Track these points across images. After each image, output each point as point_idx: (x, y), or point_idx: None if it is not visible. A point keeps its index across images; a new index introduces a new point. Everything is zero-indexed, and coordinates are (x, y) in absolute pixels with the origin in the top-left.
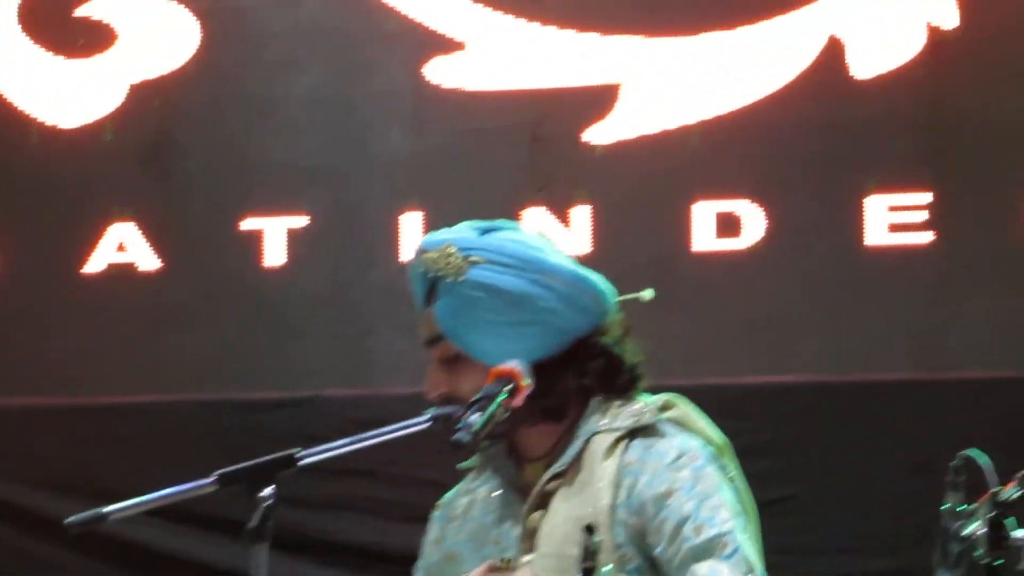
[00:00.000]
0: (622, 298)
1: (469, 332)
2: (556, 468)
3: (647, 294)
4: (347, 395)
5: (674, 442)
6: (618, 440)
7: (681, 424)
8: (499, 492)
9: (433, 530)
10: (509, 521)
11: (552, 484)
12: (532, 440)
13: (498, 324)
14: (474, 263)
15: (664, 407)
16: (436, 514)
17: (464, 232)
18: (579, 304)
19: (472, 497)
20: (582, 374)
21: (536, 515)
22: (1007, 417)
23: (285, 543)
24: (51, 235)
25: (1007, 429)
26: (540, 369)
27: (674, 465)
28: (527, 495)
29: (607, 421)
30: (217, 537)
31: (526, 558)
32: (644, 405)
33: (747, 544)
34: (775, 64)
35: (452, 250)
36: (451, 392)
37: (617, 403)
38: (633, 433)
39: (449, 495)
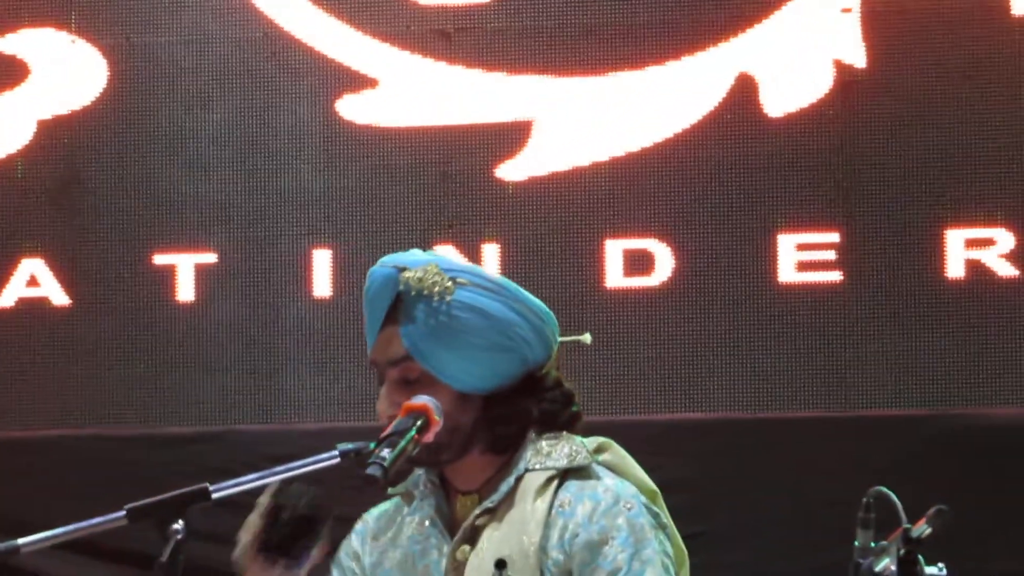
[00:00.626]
0: (563, 339)
1: (442, 353)
2: (487, 504)
3: (586, 338)
4: (258, 430)
5: (609, 487)
6: (550, 479)
7: (614, 469)
8: (427, 523)
9: (354, 542)
10: (435, 552)
11: (482, 519)
12: (466, 473)
13: (476, 347)
14: (460, 284)
15: (598, 450)
16: (358, 527)
17: (435, 255)
18: (543, 335)
19: (400, 524)
20: (540, 403)
21: (465, 548)
22: (917, 454)
23: None
24: None
25: (917, 466)
26: (499, 397)
27: (610, 512)
28: (456, 528)
29: (540, 459)
30: (128, 571)
31: None
32: (578, 446)
33: None
34: (685, 102)
35: (437, 270)
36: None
37: (551, 441)
38: (566, 473)
39: (374, 512)
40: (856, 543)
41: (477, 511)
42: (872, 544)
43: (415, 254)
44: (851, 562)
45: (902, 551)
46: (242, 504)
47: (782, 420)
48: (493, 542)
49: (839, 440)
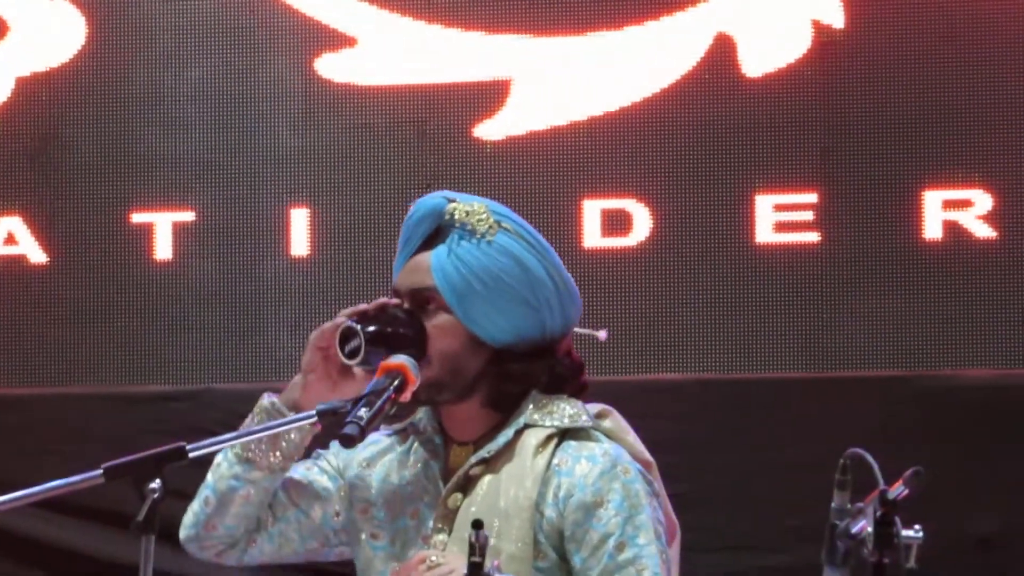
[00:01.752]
0: (579, 330)
1: (469, 292)
2: (483, 454)
3: (601, 334)
4: (235, 389)
5: (607, 451)
6: (550, 437)
7: (613, 436)
8: (420, 466)
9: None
10: (425, 496)
11: (477, 469)
12: (464, 423)
13: (503, 295)
14: (504, 229)
15: (599, 416)
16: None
17: (487, 200)
18: (566, 308)
19: (392, 460)
20: (553, 368)
21: (456, 496)
22: (894, 416)
23: (173, 536)
24: None
25: (894, 428)
26: (509, 355)
27: (606, 475)
28: (449, 475)
29: (540, 416)
30: (105, 529)
31: (440, 537)
32: (580, 408)
33: (662, 570)
34: (663, 62)
35: (486, 209)
36: None
37: (554, 401)
38: (564, 433)
39: (370, 438)
40: (832, 505)
41: (473, 460)
42: (848, 506)
43: (467, 195)
44: (827, 524)
45: (879, 513)
46: None
47: (758, 381)
48: (489, 493)
49: (815, 401)
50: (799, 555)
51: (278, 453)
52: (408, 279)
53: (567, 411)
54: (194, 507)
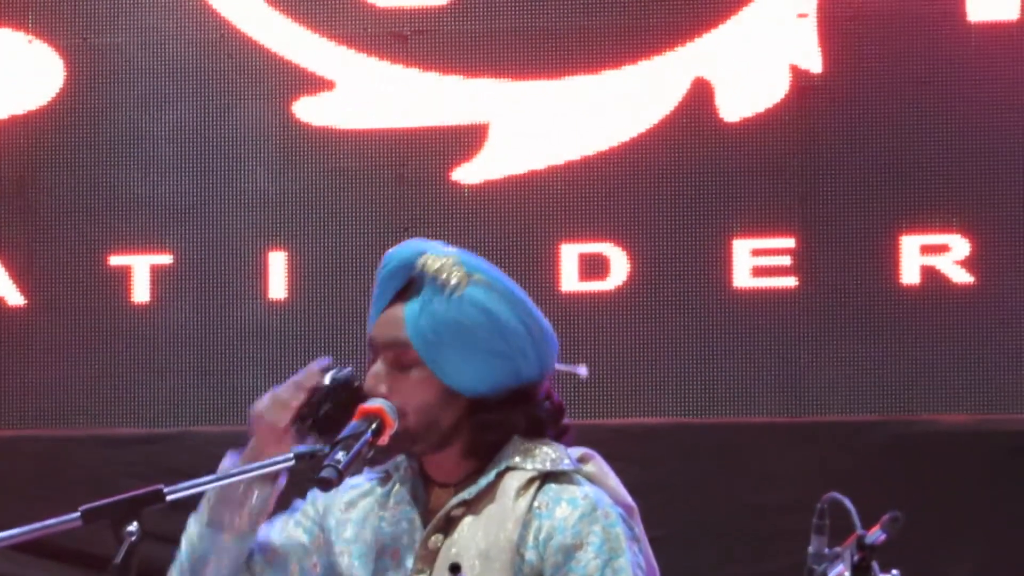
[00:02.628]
0: (559, 366)
1: (441, 345)
2: (464, 495)
3: (582, 370)
4: (213, 432)
5: (588, 494)
6: (531, 480)
7: (595, 480)
8: (401, 507)
9: (320, 497)
10: (405, 538)
11: (458, 510)
12: (445, 468)
13: (475, 347)
14: (475, 281)
15: (581, 460)
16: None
17: (460, 250)
18: (542, 353)
19: (372, 502)
20: (531, 414)
21: (438, 537)
22: (871, 460)
23: None
24: None
25: (871, 472)
26: (485, 404)
27: (586, 518)
28: (430, 517)
29: (522, 459)
30: (82, 573)
31: None
32: (562, 452)
33: None
34: (641, 106)
35: (456, 261)
36: (391, 397)
37: (536, 444)
38: (546, 477)
39: (350, 482)
40: (810, 549)
41: (454, 502)
42: (826, 550)
43: (439, 244)
44: (805, 568)
45: (856, 557)
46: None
47: (736, 425)
48: (470, 534)
49: (793, 446)
50: None
51: (245, 514)
52: (383, 332)
53: (549, 455)
54: (172, 572)
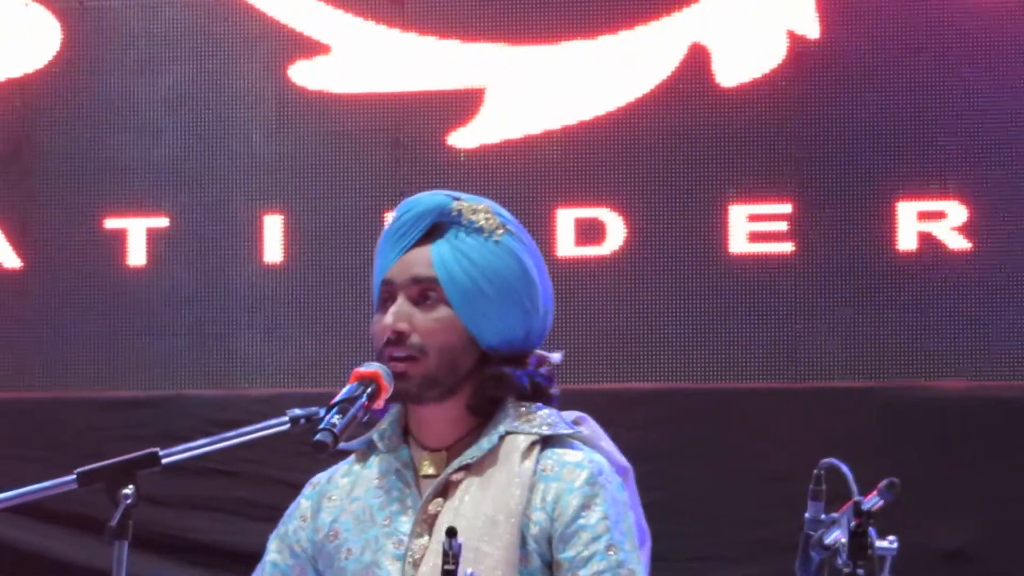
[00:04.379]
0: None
1: (471, 289)
2: (466, 459)
3: (556, 356)
4: (207, 395)
5: (588, 457)
6: (532, 444)
7: (589, 443)
8: (389, 476)
9: (303, 505)
10: (397, 504)
11: (459, 475)
12: (439, 428)
13: (503, 295)
14: (509, 231)
15: (575, 423)
16: (307, 491)
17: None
18: (545, 319)
19: (355, 479)
20: (532, 377)
21: (438, 501)
22: (867, 427)
23: (146, 542)
24: None
25: (867, 439)
26: (495, 358)
27: (592, 480)
28: (420, 482)
29: (520, 423)
30: (78, 535)
31: (421, 541)
32: (558, 416)
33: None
34: (638, 71)
35: (490, 210)
36: (411, 332)
37: (531, 408)
38: (545, 441)
39: (324, 474)
40: (806, 515)
41: (455, 465)
42: (823, 516)
43: (471, 195)
44: (801, 533)
45: (853, 523)
46: (192, 469)
47: (732, 390)
48: (474, 499)
49: (790, 411)
50: (771, 565)
51: None
52: (406, 271)
53: (546, 419)
54: None
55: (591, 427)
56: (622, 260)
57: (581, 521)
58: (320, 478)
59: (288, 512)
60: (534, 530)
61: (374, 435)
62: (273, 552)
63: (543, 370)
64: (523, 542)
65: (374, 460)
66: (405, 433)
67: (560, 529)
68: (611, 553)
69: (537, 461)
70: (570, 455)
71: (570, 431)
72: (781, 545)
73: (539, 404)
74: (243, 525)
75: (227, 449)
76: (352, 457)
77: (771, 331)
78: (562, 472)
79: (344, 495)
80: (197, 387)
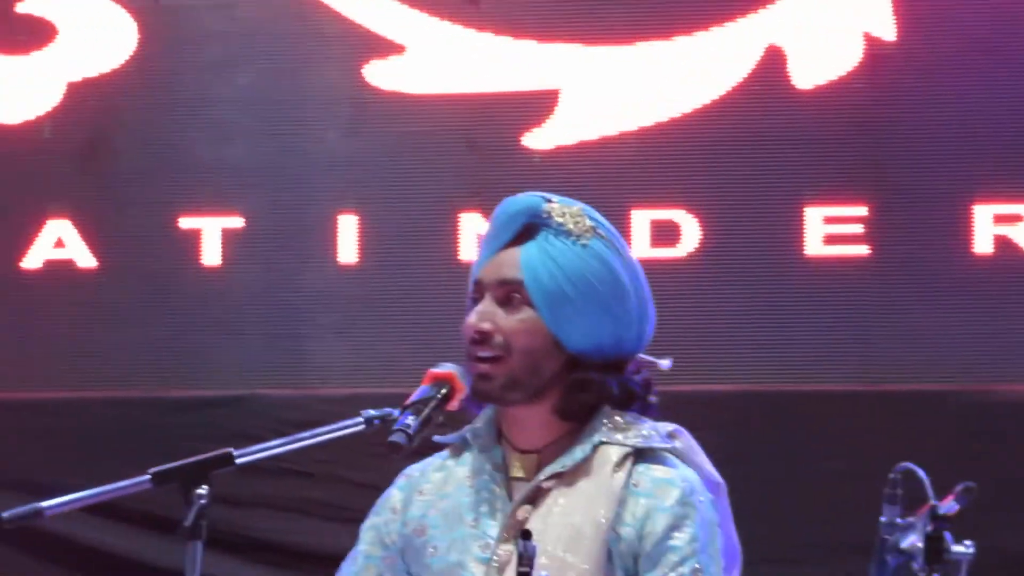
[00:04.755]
0: (643, 356)
1: (557, 293)
2: (558, 468)
3: (665, 363)
4: (280, 395)
5: (683, 475)
6: (626, 456)
7: (684, 457)
8: (480, 476)
9: (394, 497)
10: (486, 506)
11: (549, 482)
12: (530, 430)
13: (592, 302)
14: (599, 236)
15: (670, 435)
16: (401, 482)
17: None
18: (643, 326)
19: (448, 474)
20: (624, 385)
21: (526, 508)
22: (944, 430)
23: (219, 542)
24: None
25: (942, 442)
26: (584, 363)
27: (683, 500)
28: (510, 484)
29: (615, 434)
30: (151, 535)
31: (507, 547)
32: (653, 428)
33: None
34: (714, 74)
35: (582, 212)
36: (495, 333)
37: (626, 419)
38: (638, 453)
39: (418, 466)
40: (882, 518)
41: (547, 472)
42: (899, 520)
43: (564, 198)
44: (877, 537)
45: (929, 528)
46: (266, 469)
47: (807, 393)
48: (563, 509)
49: (865, 415)
50: (844, 569)
51: None
52: (496, 271)
53: (641, 430)
54: None
55: (686, 441)
56: (697, 262)
57: (669, 542)
58: (413, 470)
59: (380, 502)
60: (621, 546)
61: (467, 433)
62: (365, 543)
63: (638, 377)
64: (609, 556)
65: (468, 457)
66: (499, 433)
67: (647, 548)
68: None
69: (629, 475)
70: (662, 471)
71: (664, 446)
72: (855, 548)
73: (636, 413)
74: (316, 525)
75: (300, 449)
76: (446, 451)
77: (846, 334)
78: (654, 489)
79: (435, 490)
80: (271, 387)
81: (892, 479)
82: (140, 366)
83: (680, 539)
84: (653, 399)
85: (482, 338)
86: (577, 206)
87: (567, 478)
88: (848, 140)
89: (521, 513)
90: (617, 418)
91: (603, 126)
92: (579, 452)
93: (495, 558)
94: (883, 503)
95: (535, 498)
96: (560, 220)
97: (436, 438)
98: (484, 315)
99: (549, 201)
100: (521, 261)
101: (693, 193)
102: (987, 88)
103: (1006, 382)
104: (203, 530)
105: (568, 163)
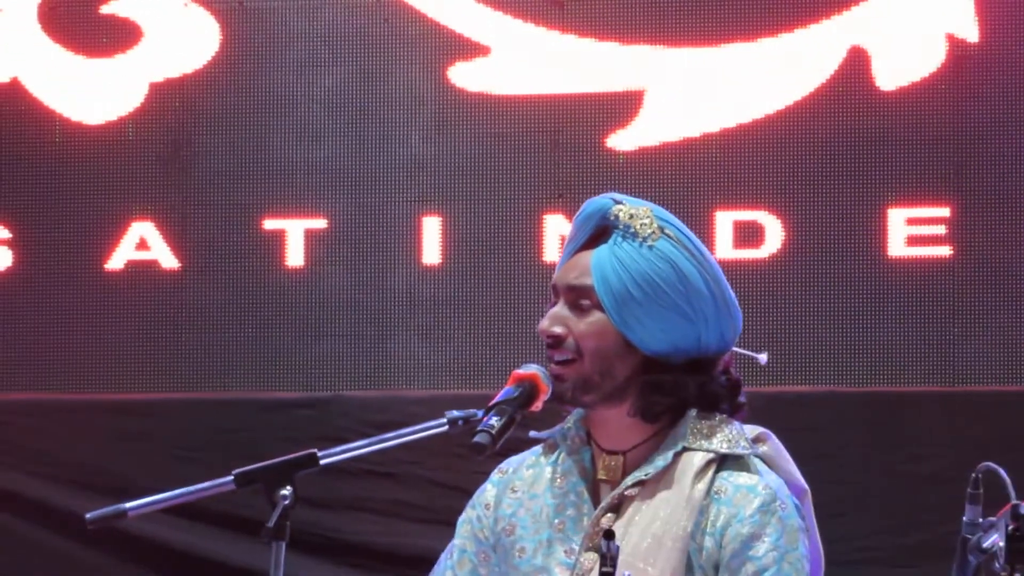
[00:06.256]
0: (738, 349)
1: (625, 295)
2: (640, 475)
3: (763, 357)
4: (365, 396)
5: (765, 482)
6: (708, 463)
7: (770, 462)
8: (569, 478)
9: (489, 492)
10: (572, 510)
11: (632, 490)
12: (613, 431)
13: (658, 301)
14: (667, 235)
15: (756, 440)
16: (495, 477)
17: (655, 205)
18: (723, 323)
19: (538, 473)
20: (705, 385)
21: (609, 517)
22: None
23: (303, 543)
24: (73, 231)
25: None
26: (660, 365)
27: (764, 508)
28: (597, 487)
29: (699, 440)
30: (235, 536)
31: (590, 555)
32: (738, 433)
33: None
34: (797, 75)
35: (650, 213)
36: (568, 336)
37: (711, 423)
38: (723, 459)
39: (513, 461)
40: (964, 518)
41: (629, 481)
42: (981, 520)
43: (626, 197)
44: (959, 537)
45: (1011, 527)
46: (349, 471)
47: (890, 394)
48: (644, 517)
49: (947, 415)
50: (927, 569)
51: None
52: (566, 276)
53: (726, 436)
54: None
55: (773, 445)
56: (780, 263)
57: (749, 552)
58: (508, 465)
59: (475, 496)
60: (702, 556)
61: (557, 434)
62: (460, 537)
63: (723, 379)
64: (690, 566)
65: (559, 456)
66: (588, 434)
67: (727, 558)
68: None
69: (712, 482)
70: (745, 478)
71: (746, 451)
72: (938, 548)
73: (723, 415)
74: (399, 526)
75: (384, 451)
76: (540, 447)
77: (928, 335)
78: (735, 496)
79: (526, 488)
80: (355, 388)
81: (974, 479)
82: (223, 368)
83: (760, 549)
84: (742, 399)
85: (554, 342)
86: (646, 206)
87: (650, 486)
88: (930, 142)
89: (604, 522)
90: (703, 421)
91: (686, 127)
92: (660, 460)
93: (578, 565)
94: (966, 503)
95: (618, 505)
96: (627, 222)
97: (532, 434)
98: (556, 318)
99: (618, 203)
100: (592, 264)
101: (776, 194)
102: None
103: None
104: (287, 531)
105: (651, 164)
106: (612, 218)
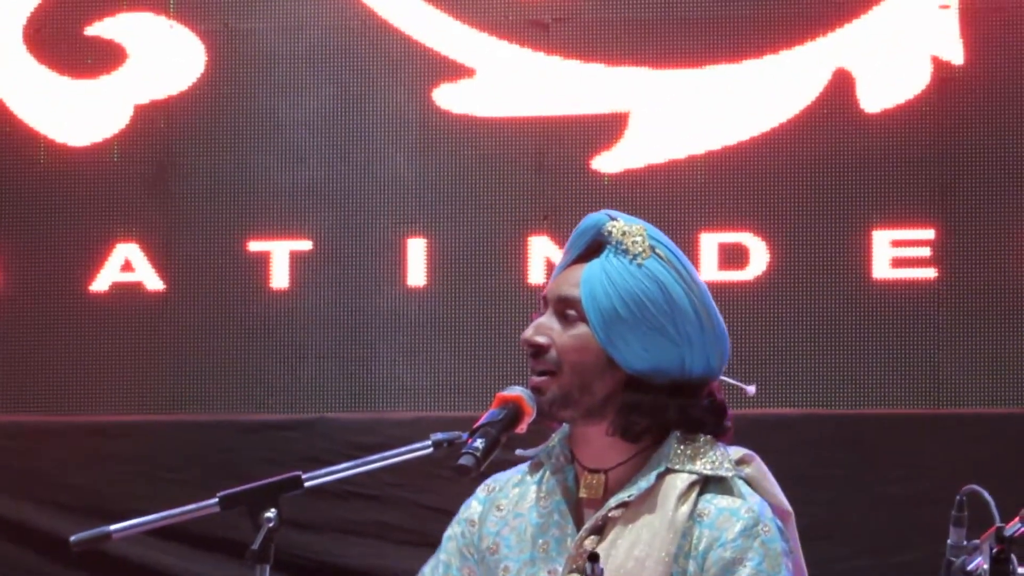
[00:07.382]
0: (725, 378)
1: (610, 311)
2: (623, 497)
3: (750, 389)
4: (349, 418)
5: (748, 505)
6: (692, 485)
7: (754, 484)
8: (552, 498)
9: (474, 508)
10: (555, 530)
11: (615, 512)
12: (595, 450)
13: (643, 320)
14: (657, 256)
15: (740, 462)
16: (480, 494)
17: (649, 225)
18: (709, 348)
19: (524, 491)
20: (686, 409)
21: (592, 539)
22: (1010, 452)
23: (288, 565)
24: (57, 252)
25: (1010, 464)
26: (641, 385)
27: (747, 532)
28: (579, 508)
29: (682, 461)
30: (219, 559)
31: None
32: (722, 455)
33: None
34: (782, 97)
35: (642, 231)
36: (550, 347)
37: (695, 444)
38: (706, 481)
39: (500, 478)
40: (948, 541)
41: (612, 503)
42: (965, 542)
43: (624, 215)
44: (943, 560)
45: (995, 550)
46: (334, 493)
47: (874, 417)
48: (626, 539)
49: (931, 438)
50: None
51: None
52: (557, 288)
53: (710, 458)
54: None
55: (758, 467)
56: (765, 285)
57: None
58: (495, 482)
59: (461, 511)
60: None
61: (542, 453)
62: (445, 552)
63: (705, 402)
64: None
65: (544, 474)
66: (572, 453)
67: None
68: None
69: (695, 504)
70: (727, 501)
71: (729, 474)
72: (923, 571)
73: (708, 437)
74: (384, 549)
75: (369, 473)
76: (526, 465)
77: (914, 357)
78: (717, 519)
79: (511, 507)
80: (339, 410)
81: (958, 501)
82: (207, 389)
83: (741, 574)
84: (728, 424)
85: (536, 351)
86: (639, 224)
87: (633, 507)
88: (915, 163)
89: (588, 544)
90: (687, 443)
91: (671, 149)
92: (643, 482)
93: None
94: (950, 525)
95: (602, 527)
96: (620, 238)
97: (518, 451)
98: (540, 328)
99: (613, 219)
100: (582, 278)
101: (761, 216)
102: None
103: None
104: (271, 553)
105: (637, 186)
106: (606, 234)
